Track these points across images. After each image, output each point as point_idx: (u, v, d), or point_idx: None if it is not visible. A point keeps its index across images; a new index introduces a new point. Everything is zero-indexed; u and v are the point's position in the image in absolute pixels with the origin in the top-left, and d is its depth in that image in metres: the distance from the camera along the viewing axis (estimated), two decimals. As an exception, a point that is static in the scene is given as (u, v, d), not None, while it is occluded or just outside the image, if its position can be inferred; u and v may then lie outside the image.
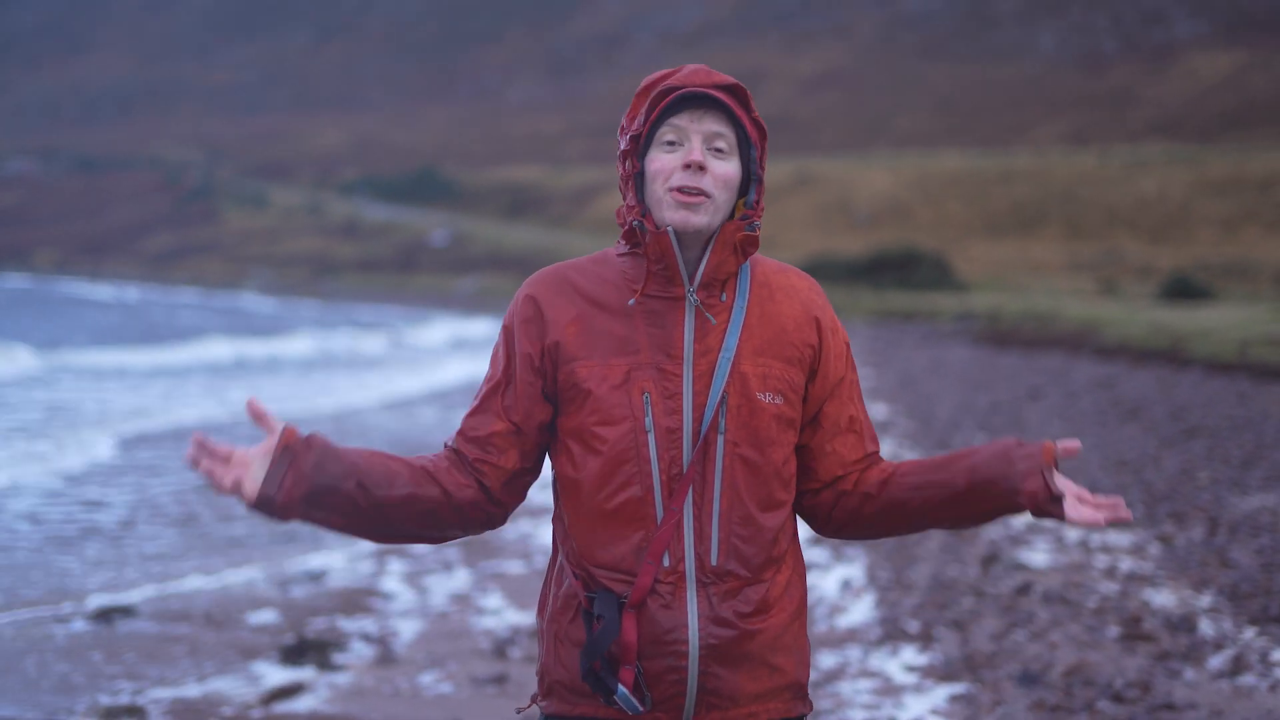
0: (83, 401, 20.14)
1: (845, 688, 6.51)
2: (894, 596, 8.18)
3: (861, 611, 7.93)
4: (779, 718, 2.80)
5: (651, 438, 2.72)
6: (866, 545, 9.48)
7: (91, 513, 11.12)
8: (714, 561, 2.72)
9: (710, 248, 2.75)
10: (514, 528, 10.73)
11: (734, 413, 2.73)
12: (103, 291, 76.09)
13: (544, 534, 10.29)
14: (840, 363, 2.86)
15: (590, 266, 2.84)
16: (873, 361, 26.23)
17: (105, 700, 6.38)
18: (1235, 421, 15.50)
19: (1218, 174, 73.96)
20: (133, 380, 24.36)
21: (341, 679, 6.80)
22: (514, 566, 9.35)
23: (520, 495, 2.86)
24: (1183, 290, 43.75)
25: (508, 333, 2.83)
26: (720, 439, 2.73)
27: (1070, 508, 2.73)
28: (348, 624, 7.79)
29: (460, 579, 8.98)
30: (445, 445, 2.84)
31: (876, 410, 17.74)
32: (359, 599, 8.33)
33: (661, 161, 2.74)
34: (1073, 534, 9.79)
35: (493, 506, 2.82)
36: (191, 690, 6.57)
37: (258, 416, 2.62)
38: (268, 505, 2.63)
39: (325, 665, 6.97)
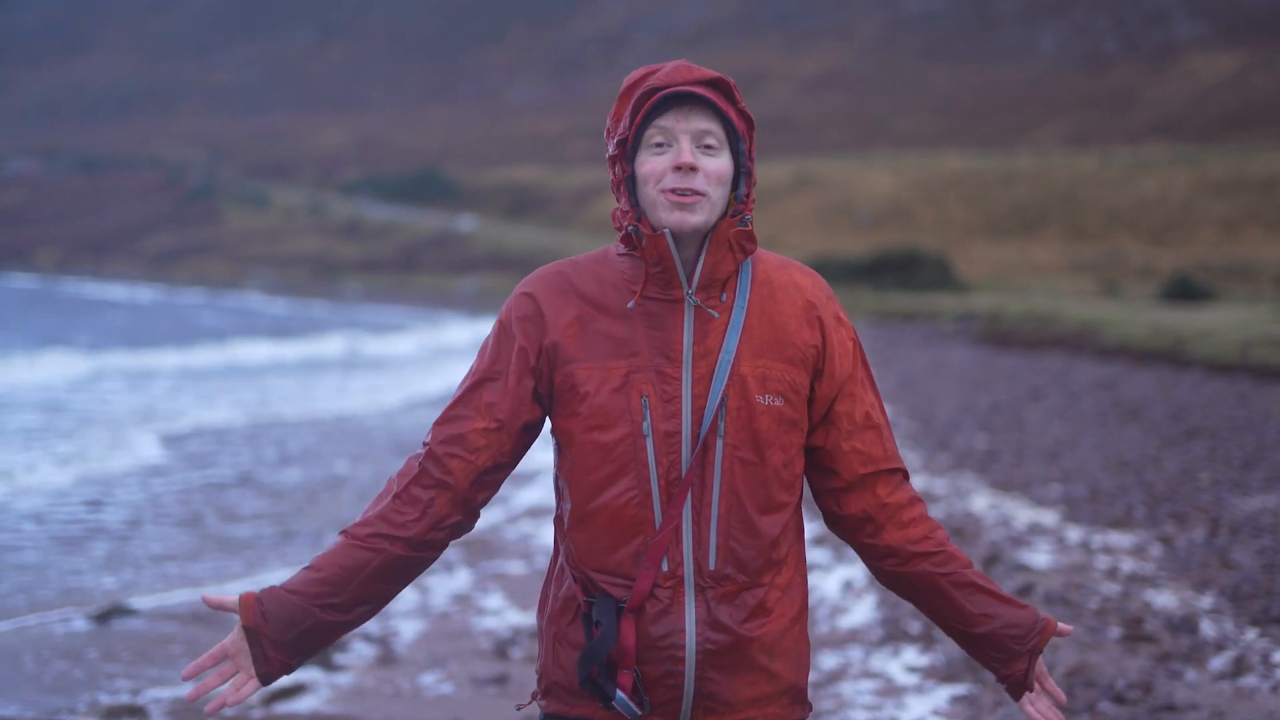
0: (159, 403, 20.50)
1: (847, 688, 6.51)
2: (896, 598, 8.17)
3: (863, 612, 7.93)
4: None
5: (650, 441, 2.69)
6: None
7: (127, 512, 11.13)
8: (712, 566, 2.71)
9: (706, 247, 2.72)
10: (515, 528, 10.73)
11: (733, 415, 2.71)
12: (114, 292, 76.04)
13: (545, 534, 10.29)
14: (847, 359, 2.81)
15: (590, 266, 2.81)
16: (874, 362, 26.21)
17: (106, 700, 6.38)
18: (1236, 422, 15.50)
19: (1219, 175, 73.93)
20: (191, 381, 24.75)
21: (343, 679, 6.80)
22: (515, 567, 9.35)
23: (491, 490, 2.84)
24: (1184, 291, 43.72)
25: (503, 328, 2.80)
26: (719, 442, 2.70)
27: (1027, 701, 2.88)
28: (349, 624, 7.78)
29: (461, 579, 8.97)
30: (422, 444, 2.83)
31: (878, 411, 17.71)
32: (360, 599, 8.31)
33: (651, 164, 2.71)
34: (1074, 535, 9.79)
35: (457, 514, 2.80)
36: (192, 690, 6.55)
37: (217, 606, 2.74)
38: (271, 680, 2.77)
39: (326, 665, 6.97)
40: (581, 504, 2.74)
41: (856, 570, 8.96)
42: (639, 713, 2.71)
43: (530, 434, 2.83)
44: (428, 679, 6.81)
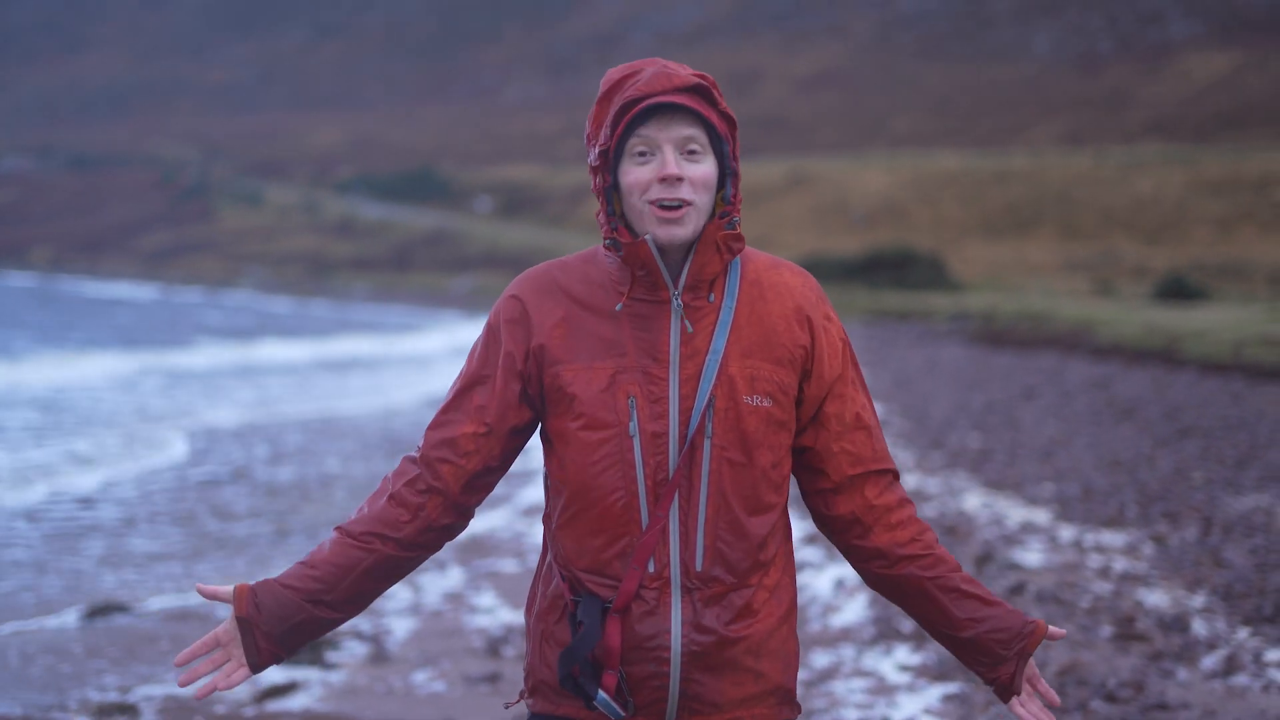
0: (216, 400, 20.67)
1: (839, 687, 6.51)
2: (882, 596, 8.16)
3: (855, 611, 7.93)
4: None
5: (637, 442, 2.69)
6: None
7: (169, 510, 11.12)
8: (699, 567, 2.70)
9: (693, 250, 2.71)
10: (508, 526, 10.73)
11: (721, 416, 2.70)
12: (115, 290, 75.92)
13: (537, 533, 10.29)
14: (836, 360, 2.81)
15: (579, 266, 2.80)
16: (867, 361, 26.22)
17: (97, 697, 6.37)
18: (1229, 421, 15.51)
19: (1213, 174, 73.98)
20: (234, 379, 25.00)
21: (335, 677, 6.79)
22: (508, 565, 9.34)
23: (483, 493, 2.86)
24: (1178, 290, 43.76)
25: (491, 331, 2.80)
26: (707, 443, 2.70)
27: (1016, 703, 2.86)
28: (341, 622, 7.77)
29: (454, 578, 8.97)
30: (416, 448, 2.84)
31: (871, 410, 17.72)
32: (353, 597, 8.31)
33: (635, 175, 2.69)
34: (1066, 534, 9.80)
35: (448, 517, 2.81)
36: (185, 689, 6.55)
37: (211, 596, 2.78)
38: (261, 669, 2.80)
39: (319, 663, 6.97)
40: (569, 503, 2.74)
41: (848, 569, 8.95)
42: (622, 714, 2.70)
43: (520, 437, 2.83)
44: (420, 677, 6.80)
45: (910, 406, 18.43)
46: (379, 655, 7.15)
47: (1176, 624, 7.25)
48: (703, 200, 2.70)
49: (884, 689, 6.48)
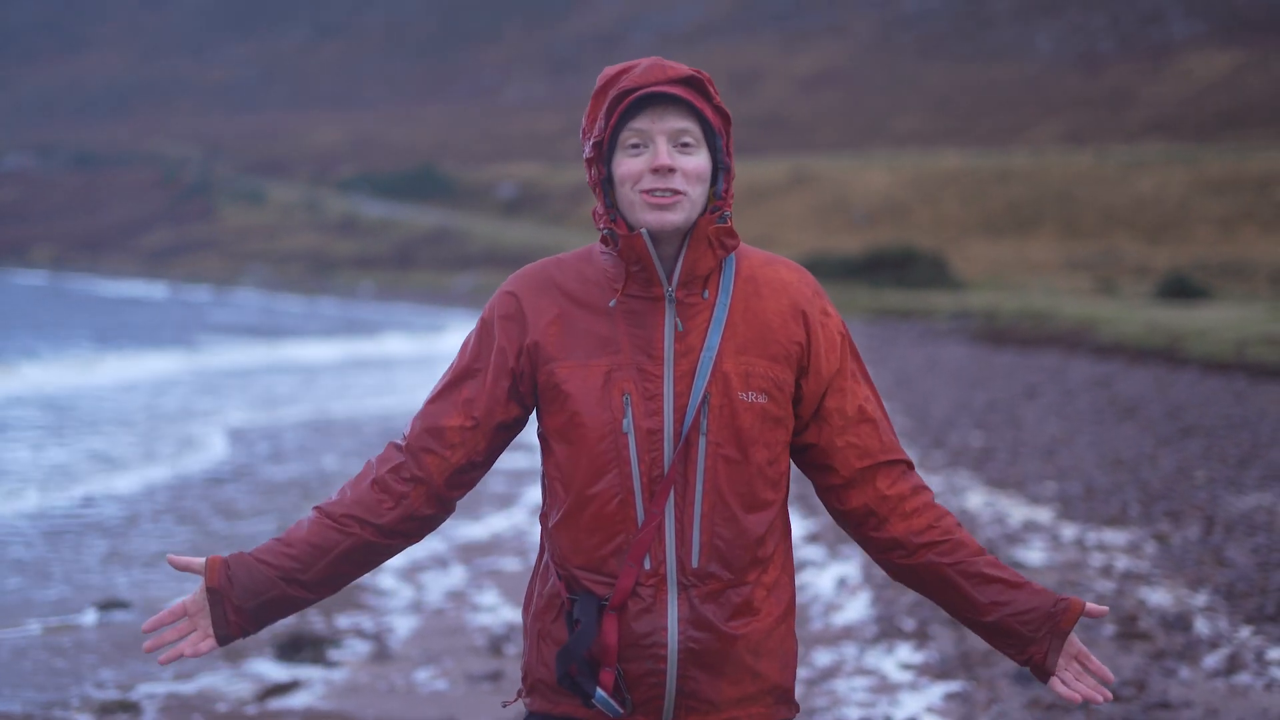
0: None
1: (841, 685, 6.51)
2: (890, 594, 8.17)
3: (857, 609, 7.93)
4: None
5: (632, 439, 2.68)
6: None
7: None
8: (695, 564, 2.69)
9: (685, 244, 2.71)
10: (511, 523, 10.74)
11: (716, 413, 2.69)
12: (126, 289, 75.88)
13: (538, 531, 10.28)
14: (834, 354, 2.79)
15: (574, 263, 2.80)
16: (869, 359, 26.22)
17: (99, 695, 6.37)
18: (1232, 420, 15.51)
19: (1215, 174, 73.96)
20: (281, 378, 25.20)
21: (337, 675, 6.79)
22: (510, 564, 9.34)
23: (466, 488, 2.85)
24: (1179, 289, 43.75)
25: (485, 326, 2.80)
26: (702, 440, 2.69)
27: (1055, 683, 2.81)
28: (343, 620, 7.78)
29: (456, 576, 8.97)
30: (402, 436, 2.84)
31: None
32: (354, 595, 8.31)
33: (628, 166, 2.69)
34: (1068, 532, 9.79)
35: (430, 508, 2.81)
36: (186, 686, 6.56)
37: (183, 567, 2.77)
38: (228, 641, 2.79)
39: (321, 662, 6.97)
40: (565, 501, 2.74)
41: (850, 567, 8.95)
42: (620, 711, 2.70)
43: (506, 434, 2.83)
44: (422, 675, 6.80)
45: (912, 405, 18.43)
46: (381, 653, 7.15)
47: (1179, 623, 7.25)
48: (695, 192, 2.70)
49: (886, 687, 6.47)
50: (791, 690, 2.84)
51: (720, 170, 2.73)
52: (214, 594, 2.76)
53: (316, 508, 2.82)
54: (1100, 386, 20.11)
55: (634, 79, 2.69)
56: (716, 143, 2.72)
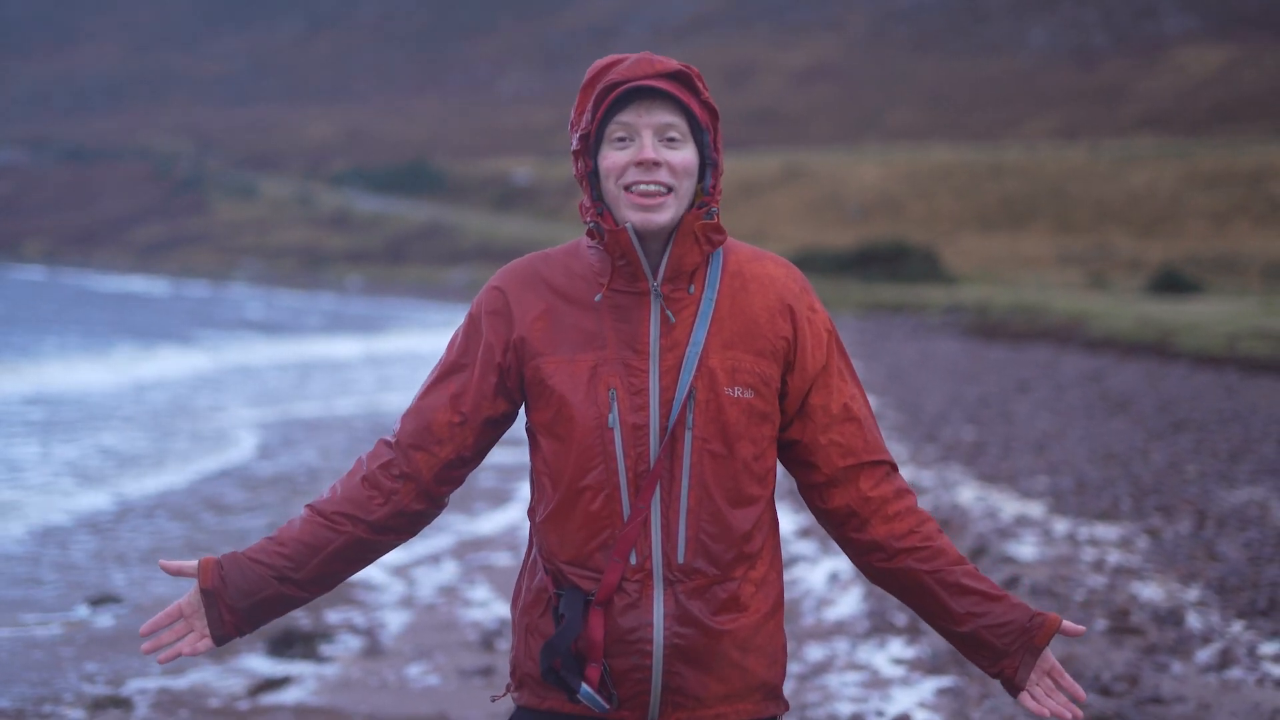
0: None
1: (832, 680, 6.51)
2: (882, 590, 8.16)
3: (849, 604, 7.93)
4: (749, 719, 2.76)
5: (617, 434, 2.68)
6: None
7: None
8: (681, 559, 2.69)
9: (672, 239, 2.70)
10: (503, 519, 10.73)
11: (702, 408, 2.68)
12: (125, 284, 75.76)
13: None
14: (820, 351, 2.78)
15: (561, 258, 2.80)
16: (861, 355, 26.23)
17: (91, 690, 6.36)
18: (1223, 415, 15.52)
19: (1207, 168, 74.05)
20: (311, 375, 25.41)
21: (329, 671, 6.78)
22: (501, 559, 9.34)
23: (456, 484, 2.85)
24: (1171, 284, 43.83)
25: (473, 321, 2.80)
26: (688, 435, 2.68)
27: (1025, 698, 2.80)
28: (335, 616, 7.78)
29: (448, 571, 8.96)
30: (392, 433, 2.84)
31: (866, 403, 17.75)
32: (346, 591, 8.31)
33: (613, 159, 2.69)
34: (1060, 527, 9.80)
35: (420, 504, 2.82)
36: (178, 681, 6.55)
37: (175, 572, 2.80)
38: (225, 641, 2.82)
39: (312, 657, 6.96)
40: (551, 496, 2.74)
41: (843, 562, 8.95)
42: (606, 706, 2.69)
43: (495, 429, 2.82)
44: (414, 670, 6.80)
45: (904, 400, 18.43)
46: (373, 649, 7.14)
47: (1171, 617, 7.25)
48: (682, 187, 2.69)
49: (878, 682, 6.47)
50: (780, 687, 2.82)
51: (708, 166, 2.73)
52: (208, 595, 2.77)
53: (308, 505, 2.83)
54: (1092, 381, 20.13)
55: (622, 72, 2.68)
56: (704, 138, 2.71)
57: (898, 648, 7.01)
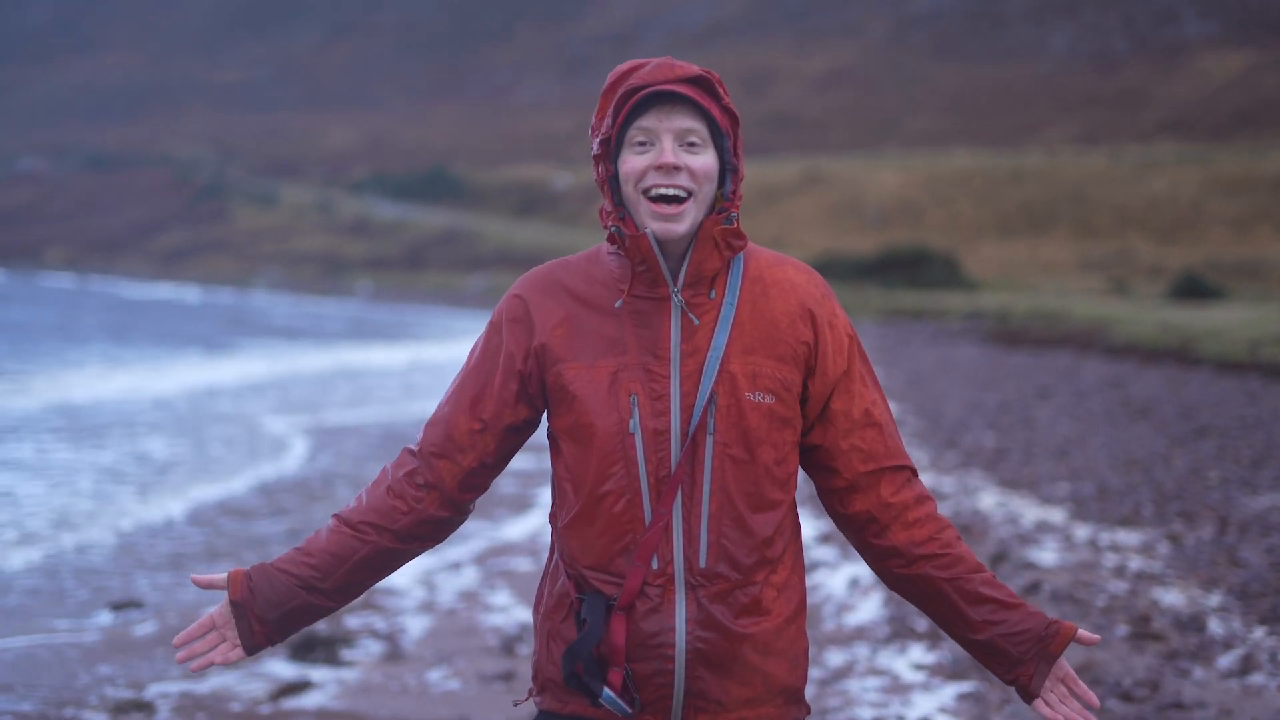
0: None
1: (853, 686, 6.51)
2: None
3: (870, 609, 7.92)
4: None
5: (638, 439, 2.68)
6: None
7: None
8: (702, 564, 2.69)
9: (692, 245, 2.70)
10: (525, 524, 10.75)
11: (723, 413, 2.69)
12: (156, 291, 75.99)
13: (550, 531, 10.28)
14: (841, 356, 2.78)
15: (581, 265, 2.80)
16: (881, 361, 26.20)
17: (114, 694, 6.39)
18: (1245, 421, 15.47)
19: (1229, 173, 73.82)
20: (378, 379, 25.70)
21: (350, 675, 6.80)
22: (522, 564, 9.35)
23: (480, 490, 2.87)
24: (1193, 289, 43.70)
25: (494, 329, 2.81)
26: (709, 440, 2.68)
27: (1039, 705, 2.81)
28: (356, 621, 7.79)
29: (469, 576, 8.98)
30: (415, 442, 2.86)
31: (886, 409, 17.75)
32: (367, 596, 8.33)
33: (633, 163, 2.69)
34: (1081, 533, 9.78)
35: (444, 511, 2.83)
36: (200, 686, 6.57)
37: (206, 585, 2.83)
38: (256, 650, 2.85)
39: (334, 661, 6.98)
40: (573, 502, 2.74)
41: (863, 568, 8.94)
42: (628, 710, 2.69)
43: (517, 436, 2.83)
44: (434, 675, 6.81)
45: (924, 406, 18.41)
46: (394, 653, 7.16)
47: (1192, 623, 7.23)
48: (702, 192, 2.70)
49: (898, 688, 6.47)
50: (802, 691, 2.83)
51: (728, 171, 2.73)
52: (237, 607, 2.81)
53: (335, 515, 2.85)
54: (1113, 387, 20.08)
55: (643, 77, 2.69)
56: (724, 143, 2.72)
57: (918, 653, 7.00)
